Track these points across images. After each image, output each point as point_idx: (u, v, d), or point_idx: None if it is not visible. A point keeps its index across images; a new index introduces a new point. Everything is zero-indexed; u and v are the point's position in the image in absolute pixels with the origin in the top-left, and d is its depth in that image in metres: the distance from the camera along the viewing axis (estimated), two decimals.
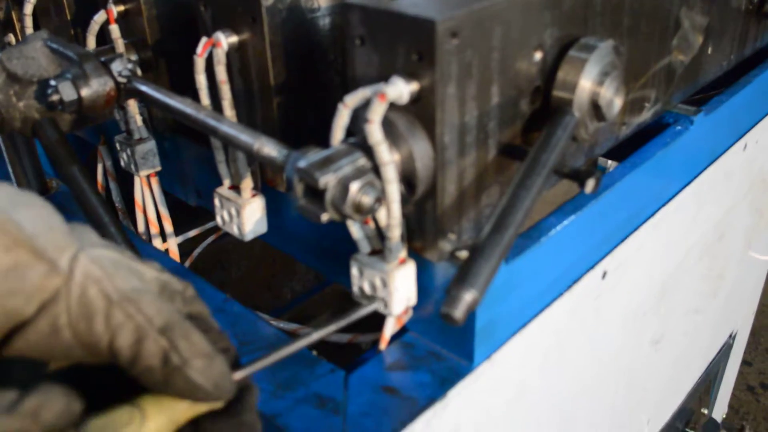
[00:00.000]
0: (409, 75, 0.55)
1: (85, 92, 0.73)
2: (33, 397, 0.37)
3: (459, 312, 0.50)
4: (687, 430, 1.46)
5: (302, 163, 0.54)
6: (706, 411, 1.53)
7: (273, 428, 0.61)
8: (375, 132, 0.54)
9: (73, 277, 0.41)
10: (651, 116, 0.88)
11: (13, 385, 0.40)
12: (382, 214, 0.60)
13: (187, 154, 0.91)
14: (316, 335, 0.55)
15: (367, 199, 0.53)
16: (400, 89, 0.54)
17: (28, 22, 0.97)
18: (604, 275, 0.82)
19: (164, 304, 0.42)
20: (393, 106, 0.55)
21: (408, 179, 0.58)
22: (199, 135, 0.88)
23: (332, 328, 0.57)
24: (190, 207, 1.00)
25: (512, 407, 0.74)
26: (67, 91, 0.72)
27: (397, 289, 0.62)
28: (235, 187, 0.77)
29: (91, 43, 0.86)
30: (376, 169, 0.56)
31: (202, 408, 0.43)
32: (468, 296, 0.51)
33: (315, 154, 0.55)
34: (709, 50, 0.95)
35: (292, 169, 0.55)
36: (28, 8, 0.96)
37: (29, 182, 1.00)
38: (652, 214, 0.89)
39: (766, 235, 1.50)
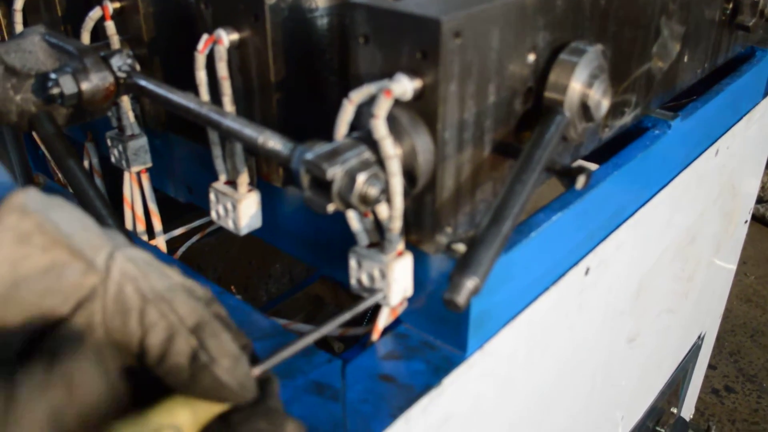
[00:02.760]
0: (413, 72, 0.58)
1: (85, 86, 0.74)
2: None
3: (462, 298, 0.53)
4: (657, 428, 1.50)
5: (310, 156, 0.56)
6: (675, 410, 1.58)
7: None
8: (380, 127, 0.57)
9: (111, 275, 0.42)
10: (631, 120, 0.92)
11: None
12: (381, 208, 0.62)
13: (179, 151, 0.92)
14: (327, 327, 0.57)
15: (373, 191, 0.56)
16: (405, 86, 0.57)
17: (18, 17, 0.97)
18: (587, 271, 0.85)
19: (196, 304, 0.44)
20: (396, 103, 0.58)
21: (409, 173, 0.60)
22: (192, 132, 0.90)
23: (341, 320, 0.60)
24: (169, 209, 1.01)
25: (500, 395, 0.77)
26: (67, 85, 0.73)
27: (395, 280, 0.65)
28: (231, 183, 0.79)
29: (86, 39, 0.87)
30: (379, 163, 0.58)
31: (224, 407, 0.45)
32: (470, 283, 0.53)
33: (321, 147, 0.57)
34: (686, 58, 0.99)
35: (298, 162, 0.57)
36: (19, 3, 0.96)
37: (16, 178, 1.00)
38: (632, 215, 0.93)
39: (733, 242, 1.56)
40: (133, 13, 0.85)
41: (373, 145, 0.58)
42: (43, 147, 1.06)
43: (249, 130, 0.63)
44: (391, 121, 0.59)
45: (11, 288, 0.40)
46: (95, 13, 0.85)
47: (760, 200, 3.39)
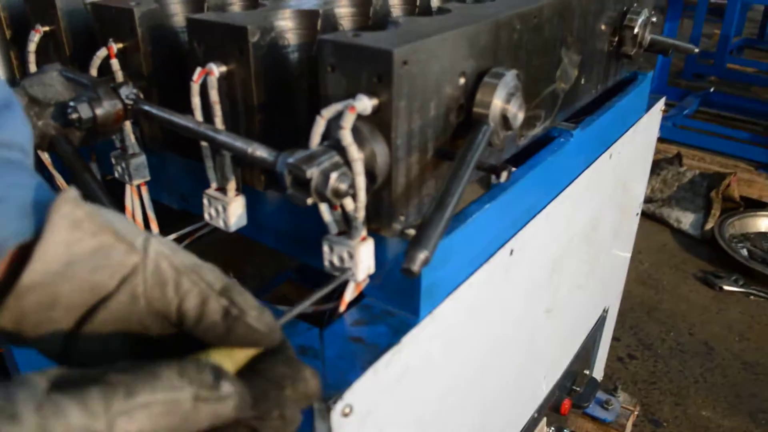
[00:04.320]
0: (371, 93, 0.64)
1: (99, 111, 0.78)
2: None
3: (416, 266, 0.59)
4: (574, 387, 1.59)
5: (291, 160, 0.62)
6: (587, 372, 1.67)
7: None
8: (347, 136, 0.62)
9: (148, 254, 0.46)
10: (541, 131, 1.00)
11: (89, 360, 0.45)
12: (347, 202, 0.68)
13: (174, 166, 0.96)
14: (308, 302, 0.62)
15: (343, 186, 0.62)
16: (365, 104, 0.63)
17: (32, 58, 1.00)
18: (511, 252, 0.92)
19: (219, 272, 0.49)
20: (359, 117, 0.64)
21: (370, 172, 0.66)
22: (185, 149, 0.94)
23: (319, 294, 0.64)
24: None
25: (446, 353, 0.83)
26: (84, 111, 0.77)
27: (361, 260, 0.70)
28: (221, 189, 0.83)
29: (94, 74, 0.90)
30: (347, 164, 0.64)
31: (255, 351, 0.49)
32: (422, 255, 0.59)
33: (300, 153, 0.63)
34: (582, 81, 1.08)
35: (282, 165, 0.63)
36: (32, 46, 0.99)
37: None
38: (544, 206, 1.00)
39: (628, 230, 1.66)
40: (134, 51, 0.89)
41: (341, 150, 0.63)
42: (50, 169, 1.08)
43: (240, 143, 0.68)
44: (355, 131, 0.64)
45: (66, 266, 0.44)
46: (102, 53, 0.89)
47: (650, 200, 3.56)
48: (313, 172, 0.60)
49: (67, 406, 0.36)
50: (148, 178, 0.97)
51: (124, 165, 0.95)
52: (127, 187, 0.99)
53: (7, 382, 0.37)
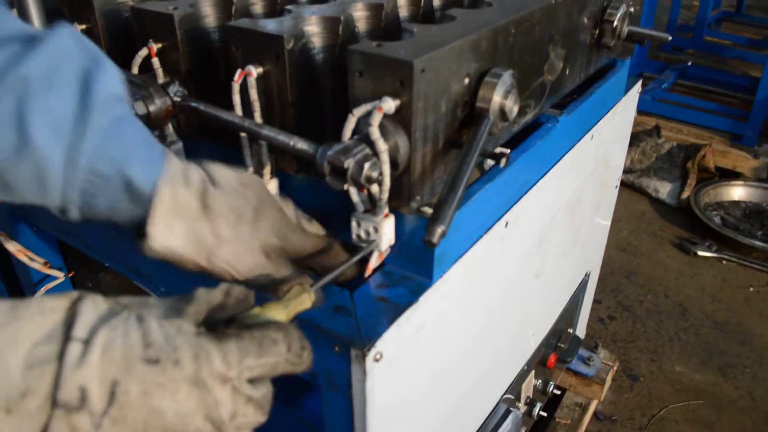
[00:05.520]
0: (395, 95, 0.76)
1: (152, 108, 0.90)
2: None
3: (435, 238, 0.72)
4: (559, 344, 1.74)
5: (330, 152, 0.75)
6: (571, 330, 1.83)
7: (312, 328, 0.81)
8: (375, 131, 0.75)
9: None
10: (532, 118, 1.13)
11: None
12: (373, 185, 0.81)
13: (207, 152, 1.08)
14: (346, 265, 0.76)
15: (374, 174, 0.75)
16: (390, 104, 0.76)
17: None
18: (506, 225, 1.06)
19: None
20: (384, 115, 0.77)
21: (393, 161, 0.79)
22: (218, 137, 1.06)
23: (353, 261, 0.78)
24: None
25: (455, 311, 0.97)
26: (139, 108, 0.89)
27: (384, 233, 0.84)
28: (256, 173, 0.96)
29: (135, 72, 1.01)
30: (375, 155, 0.77)
31: (303, 308, 0.64)
32: (440, 229, 0.73)
33: (336, 146, 0.76)
34: (567, 71, 1.21)
35: (322, 157, 0.76)
36: None
37: None
38: (534, 184, 1.14)
39: (608, 202, 1.81)
40: (172, 51, 1.00)
41: (370, 143, 0.76)
42: None
43: (282, 136, 0.81)
44: (381, 127, 0.77)
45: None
46: (143, 52, 1.00)
47: (629, 171, 3.72)
48: (349, 163, 0.73)
49: (212, 353, 0.49)
50: None
51: None
52: None
53: (162, 321, 0.49)
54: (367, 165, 0.74)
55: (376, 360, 0.78)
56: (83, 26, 1.11)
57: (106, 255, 1.14)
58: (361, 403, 0.81)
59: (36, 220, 1.31)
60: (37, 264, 1.35)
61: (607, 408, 2.31)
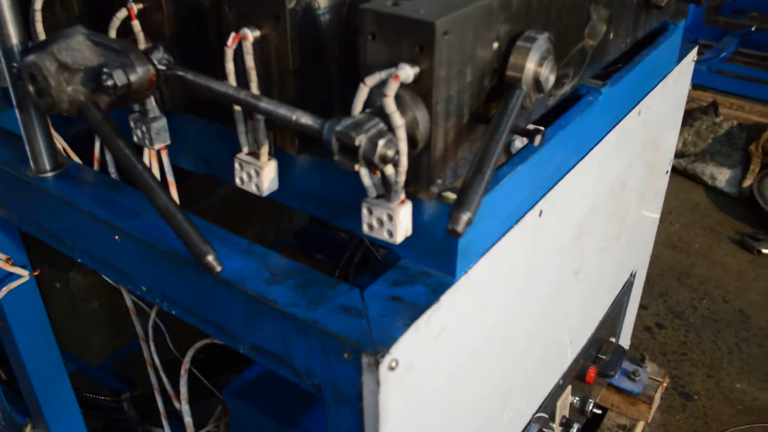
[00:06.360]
0: (413, 62, 0.77)
1: (133, 78, 0.91)
2: None
3: (460, 227, 0.73)
4: (600, 355, 1.75)
5: (340, 127, 0.76)
6: (614, 340, 1.84)
7: (317, 331, 0.82)
8: (391, 103, 0.76)
9: None
10: (570, 89, 1.14)
11: None
12: (388, 167, 0.82)
13: (196, 129, 1.10)
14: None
15: (390, 152, 0.76)
16: (408, 72, 0.76)
17: (38, 17, 1.12)
18: (540, 213, 1.07)
19: None
20: (401, 85, 0.77)
21: (411, 138, 0.80)
22: (208, 112, 1.07)
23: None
24: None
25: (480, 312, 0.98)
26: (119, 77, 0.90)
27: (400, 222, 0.85)
28: (252, 153, 0.97)
29: (112, 36, 1.03)
30: (390, 130, 0.78)
31: None
32: (465, 216, 0.74)
33: (346, 120, 0.77)
34: (611, 36, 1.21)
35: (330, 132, 0.77)
36: (38, 4, 1.11)
37: (44, 158, 1.15)
38: (573, 166, 1.15)
39: (657, 190, 1.82)
40: (154, 12, 1.01)
41: (385, 117, 0.77)
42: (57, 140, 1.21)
43: (283, 110, 0.82)
44: (397, 98, 0.78)
45: None
46: (121, 14, 1.01)
47: (681, 155, 3.72)
48: (361, 140, 0.74)
49: None
50: (168, 142, 1.10)
51: (144, 129, 1.08)
52: (146, 152, 1.13)
53: None
54: (381, 142, 0.75)
55: (391, 368, 0.79)
56: None
57: (77, 249, 1.16)
58: (373, 417, 0.83)
59: None
60: None
61: (655, 431, 2.32)
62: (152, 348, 1.41)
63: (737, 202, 3.51)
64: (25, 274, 1.42)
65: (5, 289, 1.42)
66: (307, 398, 1.28)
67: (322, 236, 2.30)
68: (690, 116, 3.80)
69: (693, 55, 1.60)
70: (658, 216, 1.92)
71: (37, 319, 1.52)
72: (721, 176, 3.61)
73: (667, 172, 1.82)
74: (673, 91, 1.55)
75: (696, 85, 4.16)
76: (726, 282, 2.99)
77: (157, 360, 1.43)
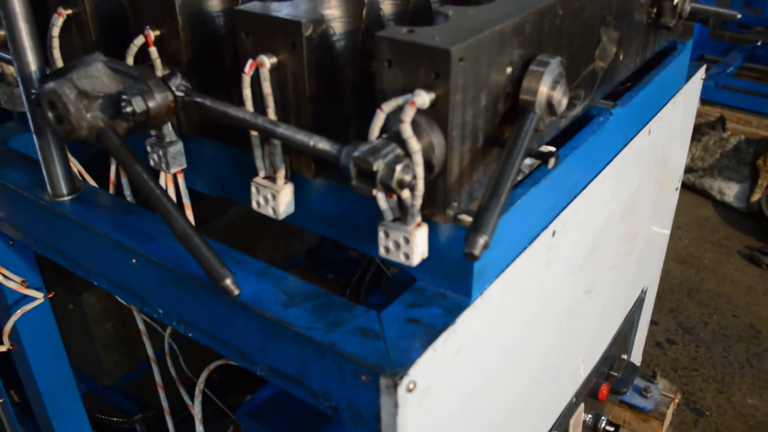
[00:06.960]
0: (428, 88, 0.79)
1: (152, 104, 0.92)
2: None
3: (477, 250, 0.75)
4: (612, 372, 1.76)
5: (357, 153, 0.77)
6: (625, 356, 1.84)
7: (334, 353, 0.83)
8: (407, 129, 0.78)
9: None
10: (581, 111, 1.15)
11: None
12: (404, 190, 0.83)
13: (212, 153, 1.11)
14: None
15: (407, 177, 0.77)
16: (424, 98, 0.78)
17: (55, 43, 1.14)
18: (553, 234, 1.08)
19: None
20: (417, 111, 0.79)
21: (428, 162, 0.82)
22: (224, 136, 1.09)
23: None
24: None
25: (495, 332, 0.99)
26: (138, 104, 0.91)
27: (416, 244, 0.86)
28: (268, 177, 0.99)
29: (130, 62, 1.05)
30: (407, 156, 0.79)
31: None
32: (482, 240, 0.75)
33: (363, 146, 0.78)
34: (621, 56, 1.23)
35: (347, 158, 0.78)
36: (56, 31, 1.13)
37: (61, 182, 1.17)
38: (585, 186, 1.16)
39: (667, 206, 1.83)
40: (172, 39, 1.03)
41: (401, 142, 0.79)
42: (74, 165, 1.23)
43: (301, 135, 0.83)
44: (413, 124, 0.79)
45: None
46: (139, 40, 1.03)
47: (690, 170, 3.72)
48: (379, 165, 0.76)
49: None
50: (184, 166, 1.12)
51: (161, 153, 1.10)
52: (163, 175, 1.14)
53: None
54: (398, 167, 0.76)
55: (409, 390, 0.80)
56: (70, 11, 1.15)
57: (94, 272, 1.17)
58: None
59: (12, 231, 1.34)
60: (13, 283, 1.39)
61: None
62: (170, 367, 1.42)
63: (746, 216, 3.51)
64: (39, 296, 1.44)
65: (20, 312, 1.43)
66: (320, 419, 1.29)
67: (333, 255, 2.31)
68: (698, 131, 3.81)
69: (701, 73, 1.61)
70: (668, 232, 1.93)
71: (51, 341, 1.53)
72: (730, 191, 3.61)
73: (677, 188, 1.83)
74: (682, 109, 1.56)
75: (703, 100, 4.18)
76: (736, 297, 2.99)
77: (175, 377, 1.44)
